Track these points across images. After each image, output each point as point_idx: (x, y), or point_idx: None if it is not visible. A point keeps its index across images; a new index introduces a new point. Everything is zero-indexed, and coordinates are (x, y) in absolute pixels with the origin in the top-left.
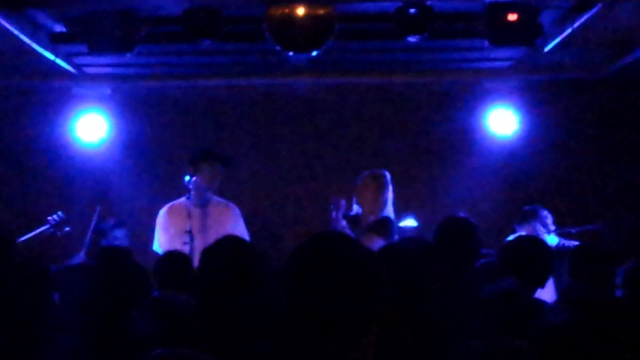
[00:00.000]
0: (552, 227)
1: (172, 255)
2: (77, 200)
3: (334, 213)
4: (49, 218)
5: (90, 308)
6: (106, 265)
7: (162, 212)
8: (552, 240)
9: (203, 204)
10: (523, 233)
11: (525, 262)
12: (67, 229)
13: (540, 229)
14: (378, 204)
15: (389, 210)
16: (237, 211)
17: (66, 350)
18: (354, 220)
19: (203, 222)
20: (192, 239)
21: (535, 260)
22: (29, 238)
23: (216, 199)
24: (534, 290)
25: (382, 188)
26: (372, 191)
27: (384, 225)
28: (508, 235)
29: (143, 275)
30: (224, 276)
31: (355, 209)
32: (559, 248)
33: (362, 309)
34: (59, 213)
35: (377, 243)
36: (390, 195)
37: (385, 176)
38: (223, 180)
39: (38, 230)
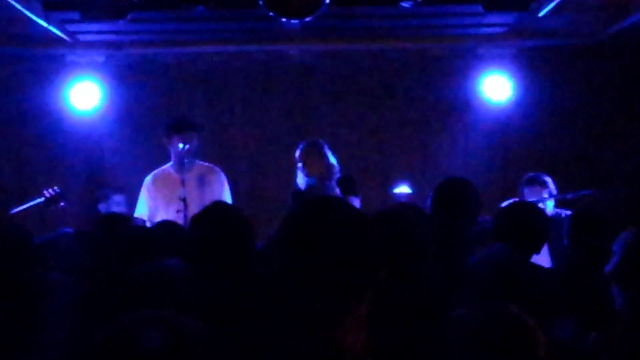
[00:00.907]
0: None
1: (166, 224)
2: (70, 168)
3: (312, 182)
4: (45, 191)
5: (88, 276)
6: (106, 233)
7: (148, 179)
8: (549, 205)
9: (187, 170)
10: (523, 199)
11: (520, 228)
12: (61, 204)
13: (545, 195)
14: (332, 168)
15: (336, 172)
16: (222, 175)
17: (58, 319)
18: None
19: (191, 188)
20: (185, 207)
21: (531, 226)
22: (21, 210)
23: (200, 163)
24: (529, 256)
25: (326, 153)
26: (320, 157)
27: (351, 183)
28: (503, 201)
29: (144, 242)
30: (215, 243)
31: (302, 181)
32: (555, 215)
33: (356, 273)
34: (55, 187)
35: (355, 202)
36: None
37: (323, 143)
38: (215, 147)
39: (31, 203)
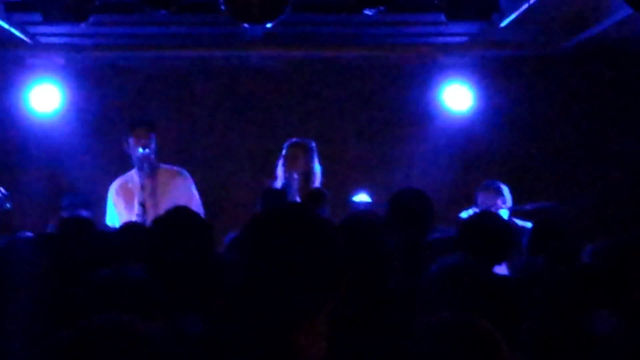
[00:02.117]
0: (509, 204)
1: (128, 227)
2: (30, 171)
3: (288, 181)
4: None
5: (48, 280)
6: (69, 236)
7: (112, 187)
8: (503, 214)
9: (149, 175)
10: (477, 205)
11: (486, 237)
12: (7, 205)
13: (499, 204)
14: (310, 176)
15: (319, 181)
16: (188, 177)
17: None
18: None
19: (153, 192)
20: (144, 212)
21: (496, 236)
22: None
23: (164, 166)
24: (492, 265)
25: (313, 156)
26: (305, 160)
27: (321, 197)
28: (463, 211)
29: (107, 245)
30: (174, 248)
31: (281, 178)
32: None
33: (317, 280)
34: (1, 189)
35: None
36: (318, 165)
37: (313, 145)
38: (176, 152)
39: None
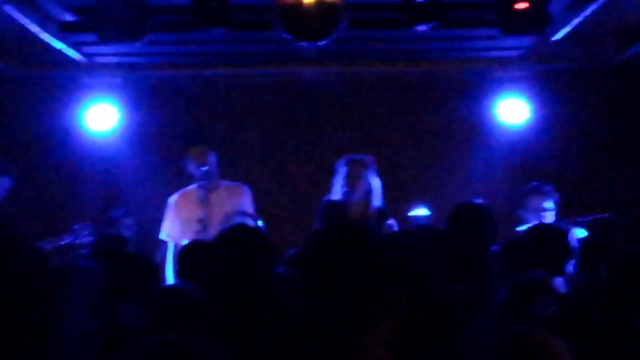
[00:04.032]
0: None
1: (194, 246)
2: (87, 190)
3: (349, 196)
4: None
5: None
6: (105, 258)
7: (173, 199)
8: (550, 217)
9: (209, 191)
10: (526, 208)
11: (545, 251)
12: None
13: (548, 208)
14: (372, 193)
15: (379, 198)
16: (248, 192)
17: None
18: (340, 210)
19: (213, 209)
20: (205, 228)
21: (555, 249)
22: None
23: (225, 183)
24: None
25: (372, 172)
26: (365, 176)
27: (382, 215)
28: (518, 225)
29: (145, 266)
30: (235, 266)
31: (338, 197)
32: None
33: (377, 293)
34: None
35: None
36: (377, 180)
37: (371, 160)
38: (232, 169)
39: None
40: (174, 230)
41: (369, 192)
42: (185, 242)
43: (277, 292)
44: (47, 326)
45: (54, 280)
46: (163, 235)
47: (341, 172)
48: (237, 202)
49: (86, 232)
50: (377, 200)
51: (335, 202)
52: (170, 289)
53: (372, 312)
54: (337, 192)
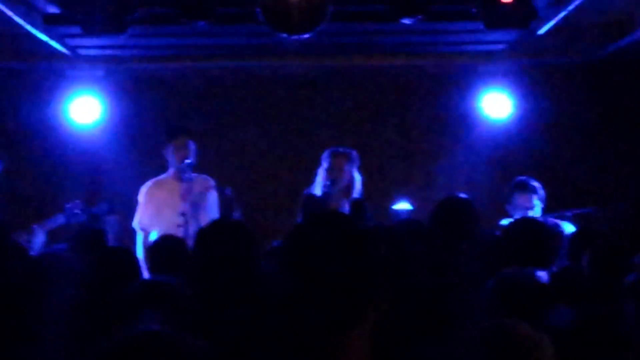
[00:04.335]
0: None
1: (167, 239)
2: (70, 182)
3: (330, 189)
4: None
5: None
6: (85, 251)
7: (145, 188)
8: (537, 212)
9: (187, 183)
10: (513, 204)
11: (532, 244)
12: (81, 218)
13: (534, 204)
14: (353, 185)
15: (358, 191)
16: (214, 186)
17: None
18: (321, 202)
19: (190, 202)
20: (185, 221)
21: (543, 242)
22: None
23: (196, 175)
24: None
25: (355, 166)
26: (347, 169)
27: (361, 207)
28: (501, 218)
29: (125, 259)
30: (221, 260)
31: (320, 189)
32: None
33: (360, 288)
34: (77, 202)
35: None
36: (358, 175)
37: (355, 155)
38: (214, 161)
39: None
40: (145, 219)
41: (349, 186)
42: (155, 232)
43: (259, 285)
44: (26, 316)
45: (34, 270)
46: (135, 223)
47: (324, 164)
48: (208, 195)
49: (78, 211)
50: (356, 194)
51: (315, 196)
52: (151, 282)
53: (353, 304)
54: (319, 185)
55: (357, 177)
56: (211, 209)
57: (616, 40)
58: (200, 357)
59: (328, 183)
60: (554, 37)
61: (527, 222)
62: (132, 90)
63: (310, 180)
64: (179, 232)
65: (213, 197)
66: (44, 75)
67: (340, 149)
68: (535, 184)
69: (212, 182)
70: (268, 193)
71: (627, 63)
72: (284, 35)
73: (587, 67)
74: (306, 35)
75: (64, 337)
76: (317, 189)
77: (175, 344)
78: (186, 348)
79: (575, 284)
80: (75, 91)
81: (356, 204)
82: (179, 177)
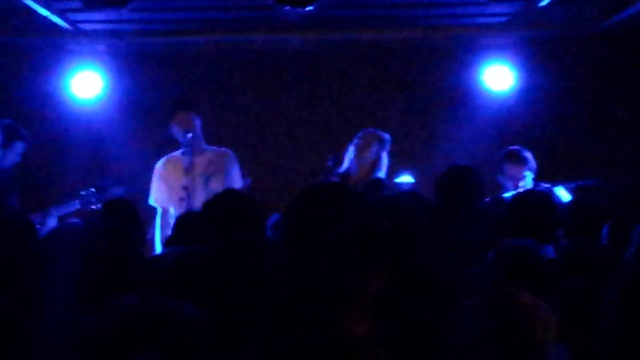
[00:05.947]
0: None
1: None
2: (73, 157)
3: (331, 165)
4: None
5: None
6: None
7: (159, 164)
8: (528, 180)
9: (193, 157)
10: (503, 174)
11: (535, 218)
12: (95, 205)
13: (525, 174)
14: (377, 165)
15: (383, 173)
16: (233, 156)
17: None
18: (342, 177)
19: (197, 175)
20: (189, 195)
21: (545, 216)
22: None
23: (209, 148)
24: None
25: (384, 148)
26: (374, 151)
27: (379, 185)
28: (499, 191)
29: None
30: (226, 233)
31: (346, 165)
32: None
33: (361, 260)
34: (92, 189)
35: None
36: (386, 158)
37: (387, 137)
38: (218, 135)
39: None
40: (160, 195)
41: (374, 165)
42: (171, 208)
43: (265, 256)
44: (29, 289)
45: (41, 246)
46: (151, 200)
47: (355, 140)
48: (222, 167)
49: (94, 200)
50: (380, 174)
51: (336, 170)
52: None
53: (354, 281)
54: (347, 159)
55: (385, 160)
56: (229, 180)
57: (618, 12)
58: (195, 325)
59: (352, 158)
60: (556, 9)
61: (531, 195)
62: (134, 64)
63: (314, 154)
64: (182, 207)
65: (229, 168)
66: (45, 51)
67: (373, 130)
68: (527, 154)
69: (228, 153)
70: (272, 167)
71: (630, 35)
72: (287, 7)
73: (590, 39)
74: (309, 8)
75: (68, 309)
76: (345, 164)
77: (169, 313)
78: (180, 316)
79: (586, 258)
80: (77, 66)
81: (374, 181)
82: (183, 152)
